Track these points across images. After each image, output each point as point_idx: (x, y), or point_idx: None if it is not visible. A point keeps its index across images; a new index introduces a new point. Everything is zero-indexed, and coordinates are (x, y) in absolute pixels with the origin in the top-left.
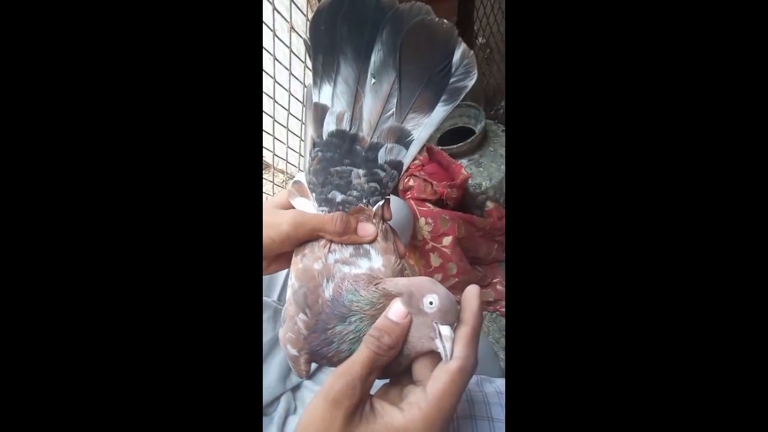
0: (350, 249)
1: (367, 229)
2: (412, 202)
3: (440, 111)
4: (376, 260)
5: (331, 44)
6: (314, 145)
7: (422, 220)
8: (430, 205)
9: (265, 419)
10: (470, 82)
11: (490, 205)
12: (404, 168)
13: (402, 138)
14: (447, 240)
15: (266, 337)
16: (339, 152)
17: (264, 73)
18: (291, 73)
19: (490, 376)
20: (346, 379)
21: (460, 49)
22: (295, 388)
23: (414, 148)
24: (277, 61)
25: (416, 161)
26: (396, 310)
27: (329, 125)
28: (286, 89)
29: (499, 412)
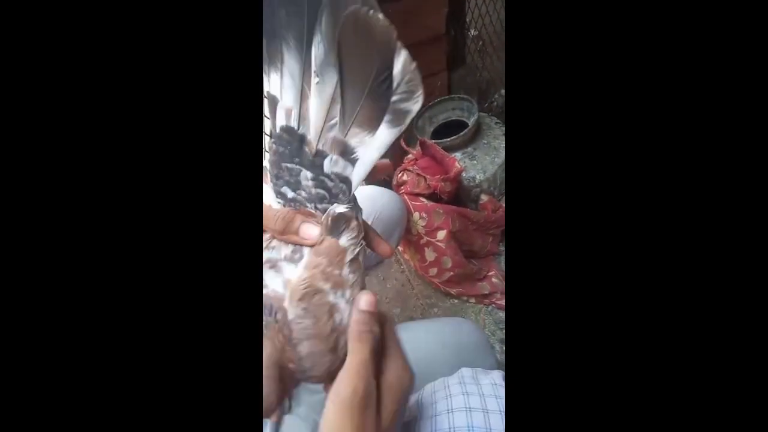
0: (289, 250)
1: (309, 231)
2: (405, 197)
3: (385, 133)
4: (292, 273)
5: (272, 29)
6: (270, 135)
7: (416, 215)
8: (423, 199)
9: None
10: (415, 107)
11: (484, 198)
12: (353, 186)
13: (346, 153)
14: (441, 234)
15: None
16: (289, 149)
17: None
18: None
19: (485, 369)
20: (365, 380)
21: (401, 58)
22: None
23: (360, 169)
24: None
25: (410, 156)
26: (367, 300)
27: (280, 119)
28: None
29: (494, 404)
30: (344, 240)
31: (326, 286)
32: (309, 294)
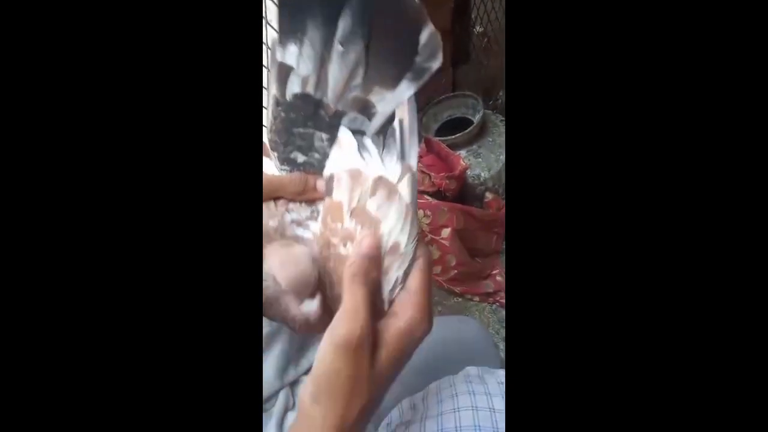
0: (307, 211)
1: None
2: None
3: (405, 87)
4: (315, 226)
5: (295, 3)
6: (277, 104)
7: (420, 213)
8: (428, 197)
9: (264, 415)
10: (435, 65)
11: (489, 196)
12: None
13: (366, 109)
14: (446, 232)
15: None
16: (303, 114)
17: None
18: None
19: (490, 367)
20: (360, 324)
21: (428, 30)
22: (294, 384)
23: (377, 121)
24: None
25: None
26: (367, 244)
27: (294, 86)
28: None
29: (500, 403)
30: (338, 195)
31: (335, 240)
32: (325, 247)
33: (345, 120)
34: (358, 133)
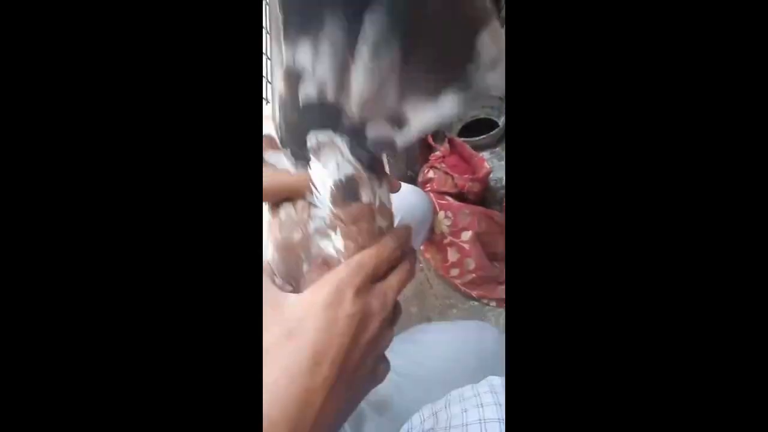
0: (327, 218)
1: None
2: (431, 194)
3: (449, 99)
4: (337, 240)
5: None
6: (287, 105)
7: (441, 214)
8: (450, 198)
9: None
10: (491, 78)
11: None
12: (396, 149)
13: (395, 119)
14: (467, 235)
15: None
16: (320, 118)
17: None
18: None
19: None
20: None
21: (488, 30)
22: None
23: (409, 133)
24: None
25: (437, 152)
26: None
27: (308, 89)
28: None
29: None
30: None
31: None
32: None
33: (369, 126)
34: (384, 144)
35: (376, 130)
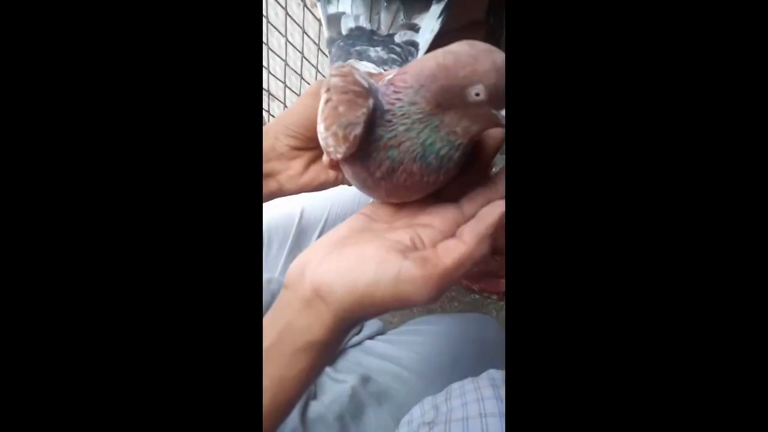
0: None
1: None
2: None
3: (435, 7)
4: None
5: None
6: (333, 41)
7: None
8: None
9: None
10: None
11: None
12: (419, 46)
13: (412, 27)
14: None
15: None
16: (359, 40)
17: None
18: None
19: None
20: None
21: None
22: None
23: (424, 35)
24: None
25: None
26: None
27: (349, 23)
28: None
29: None
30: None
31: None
32: None
33: (396, 37)
34: (410, 44)
35: (401, 37)
